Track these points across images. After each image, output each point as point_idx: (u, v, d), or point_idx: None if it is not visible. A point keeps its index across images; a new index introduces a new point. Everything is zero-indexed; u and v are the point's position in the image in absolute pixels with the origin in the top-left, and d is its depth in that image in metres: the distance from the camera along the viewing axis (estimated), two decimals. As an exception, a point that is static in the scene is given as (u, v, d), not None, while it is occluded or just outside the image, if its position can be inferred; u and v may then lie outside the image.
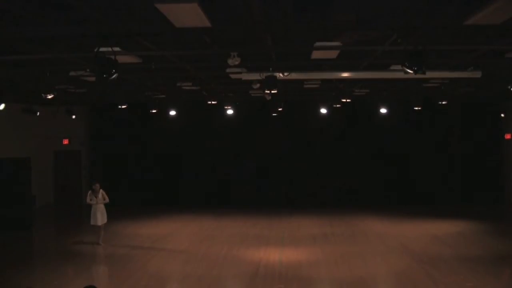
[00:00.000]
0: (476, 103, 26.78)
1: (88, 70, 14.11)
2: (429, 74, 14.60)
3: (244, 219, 24.31)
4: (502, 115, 26.67)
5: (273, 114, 26.16)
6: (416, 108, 24.71)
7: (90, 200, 18.76)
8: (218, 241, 19.61)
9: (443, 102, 23.13)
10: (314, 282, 14.67)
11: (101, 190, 18.85)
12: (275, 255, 17.28)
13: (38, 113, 23.94)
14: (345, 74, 15.44)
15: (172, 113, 25.97)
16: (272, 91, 15.20)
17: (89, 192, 18.98)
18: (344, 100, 22.33)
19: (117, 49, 9.94)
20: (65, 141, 29.46)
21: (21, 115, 23.44)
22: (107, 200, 18.89)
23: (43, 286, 13.96)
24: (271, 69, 14.28)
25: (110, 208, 19.22)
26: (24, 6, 7.79)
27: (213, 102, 24.16)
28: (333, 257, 17.11)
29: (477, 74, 14.99)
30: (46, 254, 18.57)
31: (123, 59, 11.58)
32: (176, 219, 24.64)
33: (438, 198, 27.45)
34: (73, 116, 25.95)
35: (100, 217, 18.72)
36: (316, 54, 12.13)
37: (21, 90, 18.80)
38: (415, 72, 9.55)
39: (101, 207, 18.79)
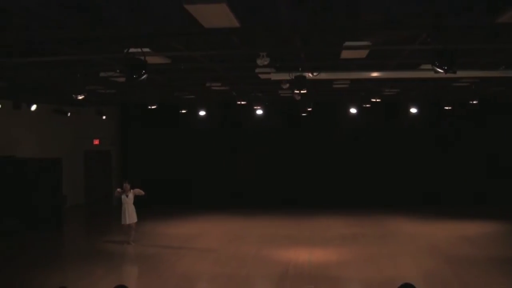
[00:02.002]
0: (506, 103, 26.42)
1: (118, 71, 14.18)
2: (459, 74, 14.40)
3: (273, 219, 24.30)
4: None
5: (303, 114, 26.10)
6: (447, 108, 24.51)
7: (119, 193, 18.97)
8: (247, 241, 19.65)
9: (474, 102, 22.90)
10: (343, 282, 14.65)
11: (131, 190, 18.92)
12: (304, 255, 17.25)
13: (69, 114, 24.15)
14: (374, 74, 15.34)
15: (202, 113, 26.03)
16: (301, 91, 15.15)
17: (120, 190, 19.11)
18: (374, 100, 22.19)
19: (146, 50, 10.01)
20: (96, 141, 29.65)
21: (52, 115, 23.68)
22: (142, 193, 18.98)
23: (74, 285, 14.06)
24: (300, 69, 14.23)
25: (139, 208, 19.31)
26: (56, 9, 7.86)
27: (242, 102, 24.17)
28: (362, 257, 17.07)
29: (509, 73, 14.81)
30: (76, 254, 18.74)
31: (152, 59, 11.54)
32: (206, 219, 24.66)
33: (466, 198, 27.10)
34: (103, 117, 26.11)
35: (130, 216, 18.80)
36: (345, 54, 12.05)
37: (52, 91, 18.94)
38: (445, 71, 9.45)
39: (131, 206, 18.85)
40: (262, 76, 15.78)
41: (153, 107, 23.98)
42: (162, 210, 26.44)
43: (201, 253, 18.04)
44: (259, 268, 16.12)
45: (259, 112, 24.96)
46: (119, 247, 18.98)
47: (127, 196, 18.81)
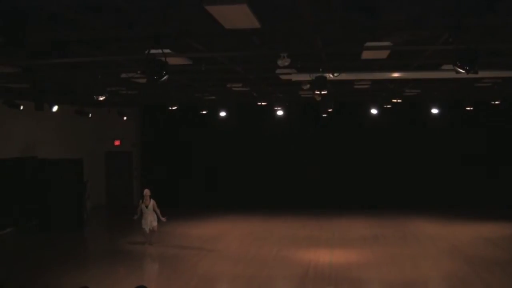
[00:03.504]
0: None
1: (139, 72, 14.14)
2: (482, 74, 14.32)
3: (294, 220, 24.25)
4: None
5: (323, 115, 25.96)
6: (468, 108, 24.31)
7: (136, 215, 19.10)
8: (268, 242, 19.61)
9: (496, 102, 22.67)
10: (364, 284, 14.59)
11: (152, 200, 18.98)
12: (325, 257, 17.22)
13: (90, 115, 24.21)
14: (395, 74, 15.28)
15: (222, 114, 26.01)
16: (322, 92, 15.09)
17: (140, 201, 19.17)
18: (395, 101, 22.03)
19: (167, 51, 9.95)
20: (117, 142, 29.74)
21: (73, 116, 23.75)
22: (157, 212, 19.04)
23: (95, 285, 14.08)
24: (321, 69, 14.13)
25: (161, 209, 19.28)
26: (77, 10, 7.89)
27: (263, 103, 24.11)
28: (383, 259, 16.98)
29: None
30: (98, 254, 18.83)
31: (173, 60, 11.54)
32: (226, 220, 24.66)
33: (489, 199, 26.86)
34: (125, 118, 26.13)
35: (150, 223, 18.87)
36: (366, 54, 11.91)
37: (74, 92, 19.00)
38: (467, 71, 9.32)
39: (151, 215, 18.86)
40: (283, 77, 15.77)
41: (173, 108, 23.98)
42: (183, 210, 26.38)
43: (222, 253, 18.04)
44: (280, 269, 16.08)
45: (280, 113, 24.90)
46: (140, 247, 19.03)
47: (146, 206, 18.85)
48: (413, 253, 17.72)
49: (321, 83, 14.07)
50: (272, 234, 21.27)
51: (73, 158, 23.55)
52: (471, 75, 9.99)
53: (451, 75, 13.16)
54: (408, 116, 27.32)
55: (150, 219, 18.81)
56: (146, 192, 19.04)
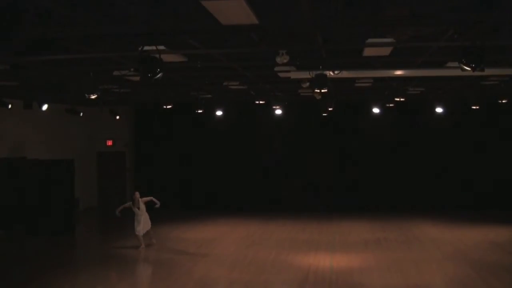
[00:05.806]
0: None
1: (132, 69, 14.13)
2: (488, 71, 14.10)
3: (293, 224, 23.99)
4: None
5: (323, 114, 25.64)
6: (474, 107, 23.98)
7: (123, 208, 18.77)
8: (266, 246, 19.31)
9: (503, 101, 22.41)
10: (366, 289, 14.31)
11: (141, 199, 18.64)
12: (325, 261, 16.91)
13: (81, 114, 23.96)
14: (398, 72, 15.16)
15: (219, 113, 25.64)
16: (322, 90, 14.86)
17: (129, 203, 18.85)
18: (398, 99, 21.79)
19: (162, 47, 9.94)
20: (109, 142, 29.50)
21: (64, 115, 23.55)
22: (152, 199, 18.73)
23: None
24: (321, 67, 14.05)
25: (154, 211, 19.14)
26: (69, 5, 7.79)
27: (261, 102, 23.87)
28: (386, 263, 16.65)
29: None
30: (89, 258, 18.57)
31: (168, 57, 11.59)
32: (223, 223, 24.39)
33: (496, 202, 26.57)
34: (117, 117, 25.87)
35: (142, 226, 18.64)
36: (368, 51, 11.95)
37: (65, 90, 18.82)
38: (473, 69, 9.26)
39: (143, 216, 18.65)
40: (282, 75, 15.67)
41: (168, 106, 23.71)
42: (177, 213, 26.33)
43: (218, 258, 17.71)
44: (278, 274, 15.76)
45: (278, 112, 24.56)
46: (133, 251, 18.73)
47: (138, 208, 18.57)
48: (417, 257, 17.39)
49: (321, 81, 14.01)
50: (270, 237, 21.00)
51: (63, 158, 23.22)
52: (477, 73, 10.04)
53: (457, 72, 13.23)
54: (411, 116, 27.05)
55: (143, 222, 18.52)
56: (136, 195, 18.76)
